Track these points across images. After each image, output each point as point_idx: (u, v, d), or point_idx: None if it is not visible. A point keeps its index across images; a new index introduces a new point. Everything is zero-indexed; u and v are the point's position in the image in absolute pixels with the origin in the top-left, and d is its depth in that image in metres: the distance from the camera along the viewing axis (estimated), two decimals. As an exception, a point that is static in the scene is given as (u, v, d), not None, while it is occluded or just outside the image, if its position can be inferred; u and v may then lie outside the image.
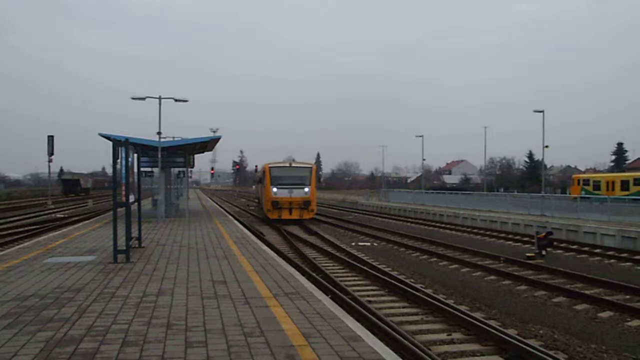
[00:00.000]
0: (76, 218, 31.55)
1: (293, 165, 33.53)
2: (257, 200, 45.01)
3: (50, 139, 46.12)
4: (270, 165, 31.99)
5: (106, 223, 21.96)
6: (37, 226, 27.19)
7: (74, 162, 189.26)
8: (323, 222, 32.55)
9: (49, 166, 49.29)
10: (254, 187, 52.99)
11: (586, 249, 19.86)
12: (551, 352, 7.62)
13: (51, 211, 41.31)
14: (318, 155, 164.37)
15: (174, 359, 5.01)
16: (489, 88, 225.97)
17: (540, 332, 9.04)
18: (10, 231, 24.77)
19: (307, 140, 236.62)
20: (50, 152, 46.19)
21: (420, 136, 65.03)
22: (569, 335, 8.85)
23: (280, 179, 30.77)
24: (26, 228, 26.29)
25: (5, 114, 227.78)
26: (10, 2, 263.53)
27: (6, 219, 32.95)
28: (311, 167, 32.50)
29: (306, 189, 30.70)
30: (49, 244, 14.81)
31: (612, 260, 17.33)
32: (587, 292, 11.99)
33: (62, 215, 35.24)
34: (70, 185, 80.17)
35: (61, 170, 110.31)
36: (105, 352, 5.18)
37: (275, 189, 30.49)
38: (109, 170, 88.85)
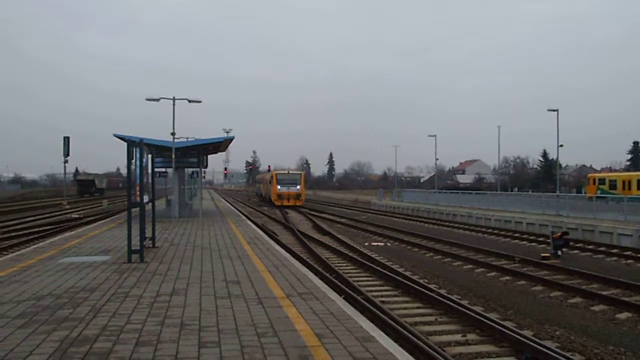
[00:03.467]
0: (91, 218, 31.86)
1: (290, 172, 52.99)
2: (260, 195, 66.96)
3: (66, 140, 46.46)
4: (276, 172, 53.04)
5: (120, 223, 22.14)
6: (53, 226, 27.49)
7: (89, 163, 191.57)
8: (336, 223, 32.56)
9: (65, 167, 49.68)
10: (257, 185, 75.34)
11: (603, 249, 19.58)
12: (568, 354, 7.52)
13: (66, 211, 41.76)
14: (331, 155, 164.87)
15: (187, 359, 5.01)
16: (502, 88, 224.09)
17: (557, 333, 8.92)
18: (26, 231, 25.08)
19: (320, 140, 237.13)
20: (66, 153, 46.52)
21: (433, 136, 64.38)
22: (585, 337, 8.72)
23: (282, 180, 49.71)
24: (42, 228, 26.60)
25: (23, 117, 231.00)
26: (24, 9, 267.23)
27: (22, 219, 33.42)
28: (301, 174, 52.95)
29: (298, 187, 49.68)
30: (64, 244, 14.96)
31: (629, 261, 17.07)
32: (604, 292, 11.82)
33: (77, 216, 35.61)
34: (85, 186, 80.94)
35: (76, 170, 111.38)
36: (119, 352, 5.20)
37: (279, 187, 49.35)
38: (124, 171, 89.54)
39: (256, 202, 61.99)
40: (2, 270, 10.33)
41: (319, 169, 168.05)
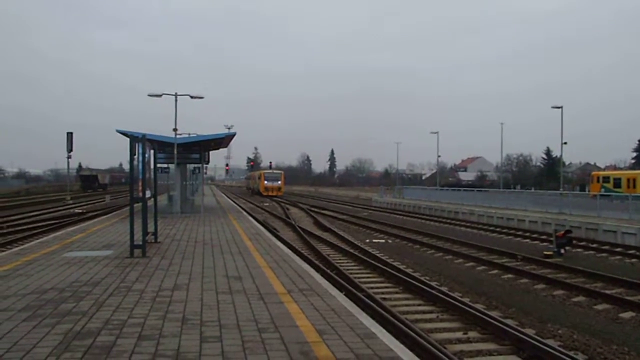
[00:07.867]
0: (94, 213, 31.91)
1: (273, 171, 71.42)
2: (249, 188, 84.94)
3: (70, 135, 46.67)
4: (263, 172, 71.26)
5: (123, 218, 22.18)
6: (56, 221, 27.58)
7: (92, 156, 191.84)
8: (337, 219, 32.56)
9: (68, 162, 50.16)
10: (248, 181, 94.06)
11: (606, 247, 19.50)
12: (570, 353, 7.50)
13: (70, 206, 41.86)
14: (332, 151, 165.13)
15: (189, 353, 5.02)
16: (506, 82, 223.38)
17: (559, 332, 8.90)
18: (30, 226, 25.18)
19: (321, 136, 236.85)
20: (70, 149, 46.76)
21: (435, 132, 64.43)
22: (589, 336, 8.69)
23: (268, 177, 67.95)
24: (45, 223, 26.67)
25: (26, 112, 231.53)
26: (29, 3, 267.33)
27: (26, 214, 33.52)
28: (281, 172, 71.74)
29: (279, 182, 67.83)
30: (68, 239, 15.01)
31: (633, 260, 17.00)
32: (608, 291, 11.78)
33: (80, 211, 35.69)
34: (88, 181, 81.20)
35: (80, 166, 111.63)
36: (121, 346, 5.21)
37: (266, 182, 67.07)
38: (126, 166, 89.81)
39: (258, 198, 62.48)
40: (6, 264, 10.38)
41: (320, 166, 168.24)
